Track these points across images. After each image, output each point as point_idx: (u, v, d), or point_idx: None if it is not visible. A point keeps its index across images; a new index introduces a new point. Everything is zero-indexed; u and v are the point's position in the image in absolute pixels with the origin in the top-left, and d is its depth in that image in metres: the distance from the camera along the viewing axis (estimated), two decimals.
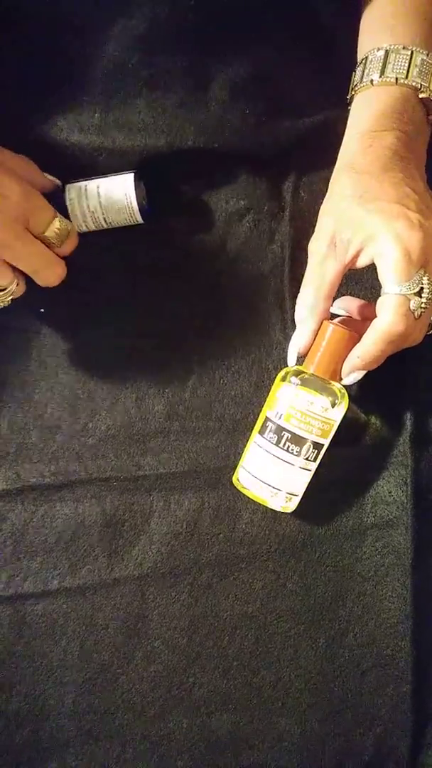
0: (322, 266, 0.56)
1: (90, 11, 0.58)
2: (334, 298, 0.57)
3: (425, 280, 0.52)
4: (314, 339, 0.56)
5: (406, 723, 0.59)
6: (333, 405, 0.56)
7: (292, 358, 0.58)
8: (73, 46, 0.60)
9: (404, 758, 0.59)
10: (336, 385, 0.56)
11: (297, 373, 0.57)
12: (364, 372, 0.56)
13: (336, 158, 0.59)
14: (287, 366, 0.58)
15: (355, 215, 0.54)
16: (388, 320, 0.52)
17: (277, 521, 0.61)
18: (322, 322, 0.56)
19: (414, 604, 0.59)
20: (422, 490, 0.61)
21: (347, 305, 0.60)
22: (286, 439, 0.56)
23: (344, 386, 0.57)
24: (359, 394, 0.62)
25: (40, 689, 0.59)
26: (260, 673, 0.59)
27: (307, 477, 0.57)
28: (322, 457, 0.57)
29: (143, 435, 0.62)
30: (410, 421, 0.61)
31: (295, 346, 0.57)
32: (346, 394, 0.57)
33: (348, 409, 0.57)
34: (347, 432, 0.59)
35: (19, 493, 0.61)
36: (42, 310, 0.62)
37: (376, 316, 0.54)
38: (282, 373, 0.58)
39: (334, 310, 0.60)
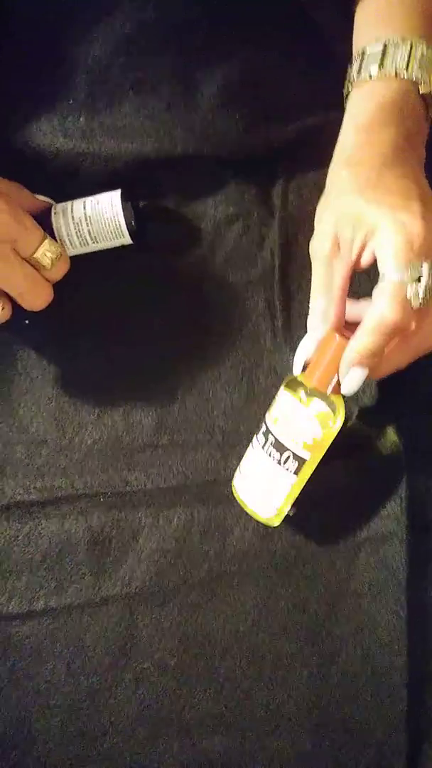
0: (328, 269, 0.51)
1: (75, 12, 0.55)
2: None
3: (425, 268, 0.47)
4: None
5: (401, 743, 0.55)
6: (326, 420, 0.53)
7: (297, 366, 0.54)
8: (57, 48, 0.56)
9: None
10: (336, 400, 0.52)
11: (299, 382, 0.53)
12: (362, 378, 0.51)
13: (327, 163, 0.55)
14: (291, 373, 0.54)
15: (355, 210, 0.50)
16: (383, 306, 0.48)
17: (268, 537, 0.57)
18: (328, 330, 0.52)
19: (409, 620, 0.56)
20: (417, 504, 0.57)
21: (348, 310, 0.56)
22: (271, 444, 0.53)
23: (345, 399, 0.52)
24: (355, 405, 0.59)
25: (27, 713, 0.55)
26: (252, 694, 0.56)
27: (285, 489, 0.53)
28: (312, 473, 0.53)
29: (131, 449, 0.58)
30: (406, 434, 0.58)
31: (303, 353, 0.53)
32: (342, 411, 0.52)
33: (353, 422, 0.53)
34: (341, 444, 0.56)
35: (4, 510, 0.57)
36: (27, 321, 0.59)
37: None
38: (287, 380, 0.54)
39: None
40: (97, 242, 0.57)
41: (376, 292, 0.49)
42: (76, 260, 0.57)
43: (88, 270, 0.59)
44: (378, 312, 0.48)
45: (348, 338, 0.51)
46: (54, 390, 0.59)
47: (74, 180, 0.57)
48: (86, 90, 0.57)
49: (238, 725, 0.56)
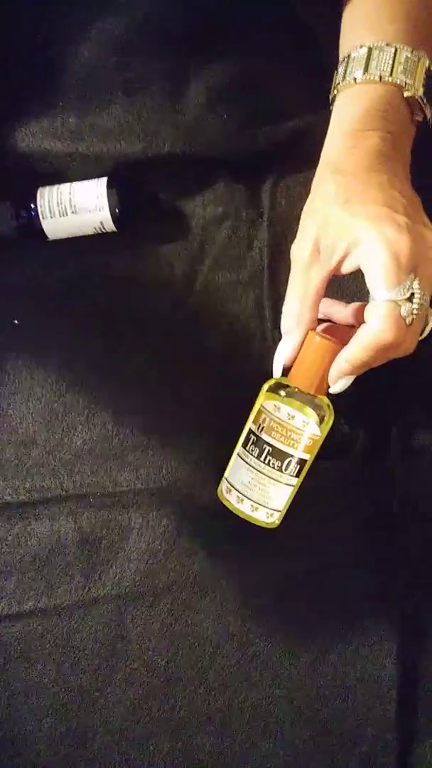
0: (306, 274, 0.51)
1: (65, 13, 0.54)
2: None
3: (416, 285, 0.47)
4: (299, 351, 0.53)
5: (391, 742, 0.55)
6: (317, 420, 0.52)
7: (277, 370, 0.54)
8: (48, 50, 0.56)
9: None
10: (322, 399, 0.52)
11: (281, 386, 0.53)
12: (351, 379, 0.51)
13: (315, 164, 0.55)
14: (272, 377, 0.54)
15: (339, 219, 0.49)
16: (379, 328, 0.47)
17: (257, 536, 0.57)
18: (308, 332, 0.52)
19: (399, 620, 0.56)
20: (409, 503, 0.57)
21: (328, 308, 0.56)
22: (268, 453, 0.52)
23: (331, 398, 0.52)
24: (346, 405, 0.58)
25: (16, 714, 0.55)
26: (242, 694, 0.55)
27: (288, 492, 0.53)
28: (307, 472, 0.53)
29: (121, 450, 0.57)
30: (397, 433, 0.57)
31: (281, 357, 0.53)
32: (331, 409, 0.52)
33: (334, 422, 0.53)
34: (334, 444, 0.55)
35: None
36: (16, 321, 0.59)
37: (360, 321, 0.49)
38: (266, 385, 0.54)
39: None
40: (76, 212, 0.56)
41: (369, 309, 0.48)
42: (66, 263, 0.56)
43: (76, 271, 0.58)
44: (374, 331, 0.48)
45: (329, 339, 0.51)
46: (43, 390, 0.58)
47: (63, 180, 0.57)
48: (76, 91, 0.56)
49: (228, 725, 0.55)
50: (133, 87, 0.56)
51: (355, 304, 0.55)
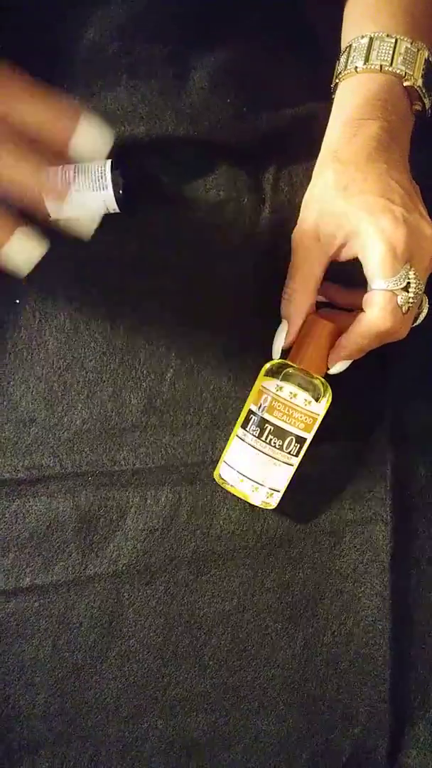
0: (306, 260, 0.52)
1: None
2: None
3: (411, 274, 0.49)
4: (299, 333, 0.53)
5: (384, 723, 0.55)
6: (317, 399, 0.53)
7: (276, 352, 0.54)
8: (53, 33, 0.56)
9: (382, 759, 0.55)
10: (320, 379, 0.53)
11: (281, 367, 0.53)
12: (349, 362, 0.53)
13: (317, 151, 0.55)
14: (271, 359, 0.54)
15: (338, 208, 0.50)
16: (376, 316, 0.49)
17: (254, 517, 0.56)
18: (308, 316, 0.53)
19: (392, 601, 0.56)
20: (401, 486, 0.57)
21: (326, 291, 0.57)
22: (269, 432, 0.52)
23: (327, 379, 0.53)
24: (338, 388, 0.58)
25: (11, 690, 0.54)
26: (237, 673, 0.55)
27: (289, 472, 0.53)
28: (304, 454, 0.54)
29: (119, 429, 0.57)
30: (389, 416, 0.57)
31: (280, 340, 0.54)
32: (330, 389, 0.53)
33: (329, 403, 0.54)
34: (326, 427, 0.55)
35: None
36: (17, 301, 0.58)
37: (358, 305, 0.51)
38: (266, 367, 0.54)
39: None
40: (78, 190, 0.56)
41: (367, 298, 0.50)
42: (66, 243, 0.56)
43: (77, 253, 0.58)
44: (372, 320, 0.49)
45: (329, 322, 0.52)
46: (44, 369, 0.58)
47: (67, 161, 0.57)
48: (80, 74, 0.56)
49: (222, 703, 0.55)
50: (136, 71, 0.57)
51: (353, 289, 0.56)
